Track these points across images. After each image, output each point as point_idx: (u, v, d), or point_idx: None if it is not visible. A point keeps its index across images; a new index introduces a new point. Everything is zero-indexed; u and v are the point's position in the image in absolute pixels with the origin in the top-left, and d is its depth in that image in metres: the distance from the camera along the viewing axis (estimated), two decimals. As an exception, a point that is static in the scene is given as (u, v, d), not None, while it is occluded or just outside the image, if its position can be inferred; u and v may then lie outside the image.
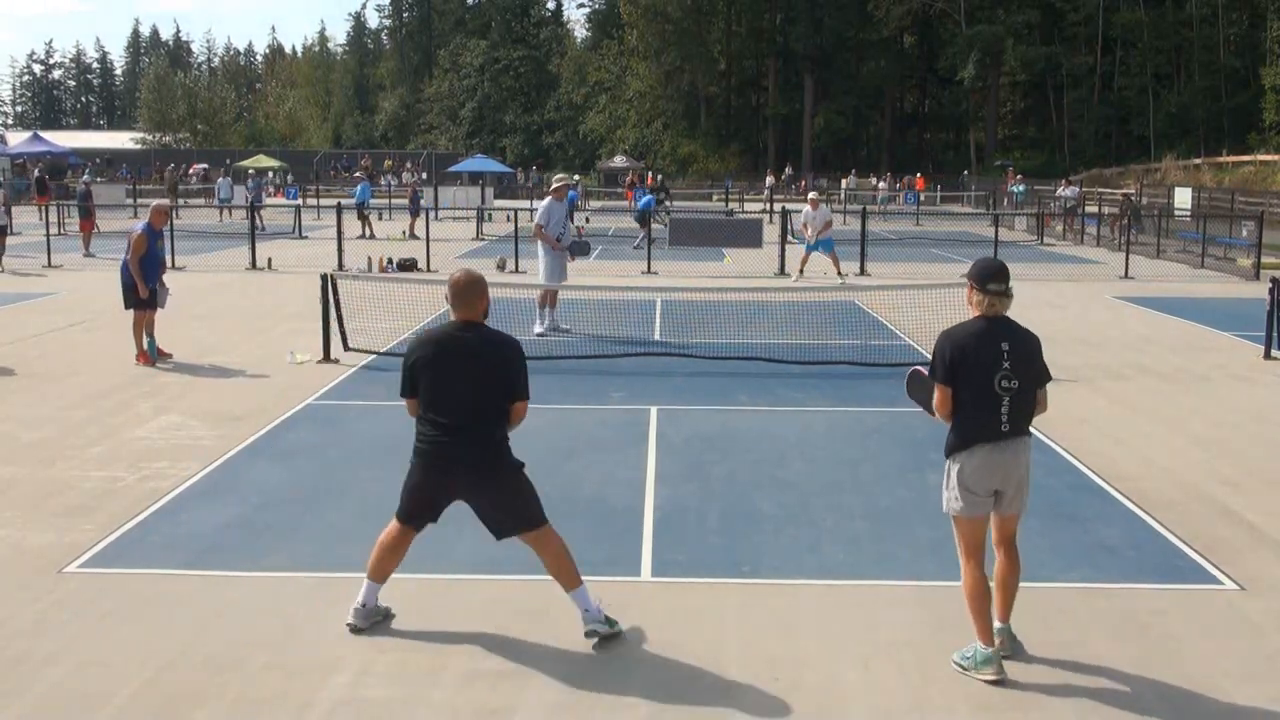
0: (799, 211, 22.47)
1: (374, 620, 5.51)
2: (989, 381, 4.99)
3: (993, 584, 5.22)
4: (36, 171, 42.88)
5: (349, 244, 24.92)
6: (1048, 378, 5.23)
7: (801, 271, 20.90)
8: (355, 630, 5.47)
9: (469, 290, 5.35)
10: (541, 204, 14.67)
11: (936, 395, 5.14)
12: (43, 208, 31.82)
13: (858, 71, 74.83)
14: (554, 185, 14.99)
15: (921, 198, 50.51)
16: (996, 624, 5.21)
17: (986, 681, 4.98)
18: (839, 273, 20.61)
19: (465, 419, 5.20)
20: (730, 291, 17.85)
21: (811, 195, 22.27)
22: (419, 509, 5.41)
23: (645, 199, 32.46)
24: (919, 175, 56.47)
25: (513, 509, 5.31)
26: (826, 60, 74.14)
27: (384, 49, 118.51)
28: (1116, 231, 30.02)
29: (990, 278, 5.05)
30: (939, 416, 5.19)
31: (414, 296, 16.11)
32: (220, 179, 43.04)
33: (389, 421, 9.82)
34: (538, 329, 14.27)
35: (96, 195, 30.23)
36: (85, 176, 43.25)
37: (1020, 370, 5.02)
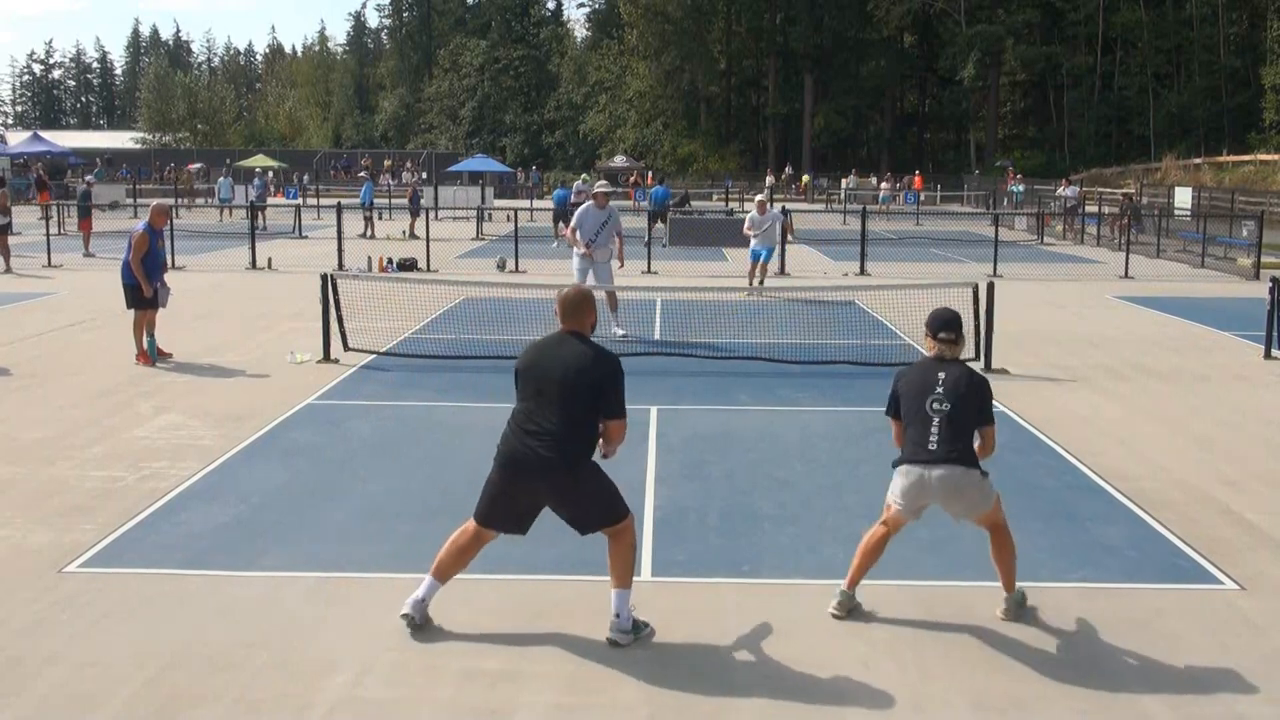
0: (762, 214, 19.29)
1: (425, 619, 5.46)
2: (922, 405, 5.50)
3: (992, 560, 5.71)
4: (38, 170, 42.70)
5: (350, 243, 24.92)
6: (989, 420, 5.61)
7: (760, 281, 19.09)
8: (411, 623, 5.42)
9: (580, 305, 5.48)
10: (581, 207, 14.42)
11: (892, 430, 5.74)
12: (44, 206, 31.76)
13: (858, 71, 74.81)
14: (596, 189, 14.73)
15: (921, 197, 50.51)
16: (1004, 595, 5.69)
17: (831, 614, 5.63)
18: (757, 280, 19.01)
19: (556, 427, 5.21)
20: (730, 291, 17.85)
21: (759, 198, 20.23)
22: (499, 514, 5.41)
23: (655, 190, 33.27)
24: (917, 174, 56.39)
25: (595, 510, 5.35)
26: (826, 60, 74.13)
27: (384, 49, 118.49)
28: (1116, 231, 30.02)
29: (941, 328, 5.64)
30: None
31: (414, 296, 16.13)
32: (221, 179, 42.82)
33: (389, 421, 9.83)
34: (619, 331, 14.02)
35: (96, 195, 30.20)
36: (90, 176, 42.95)
37: (954, 396, 5.46)
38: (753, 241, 19.05)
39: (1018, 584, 5.72)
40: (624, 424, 5.37)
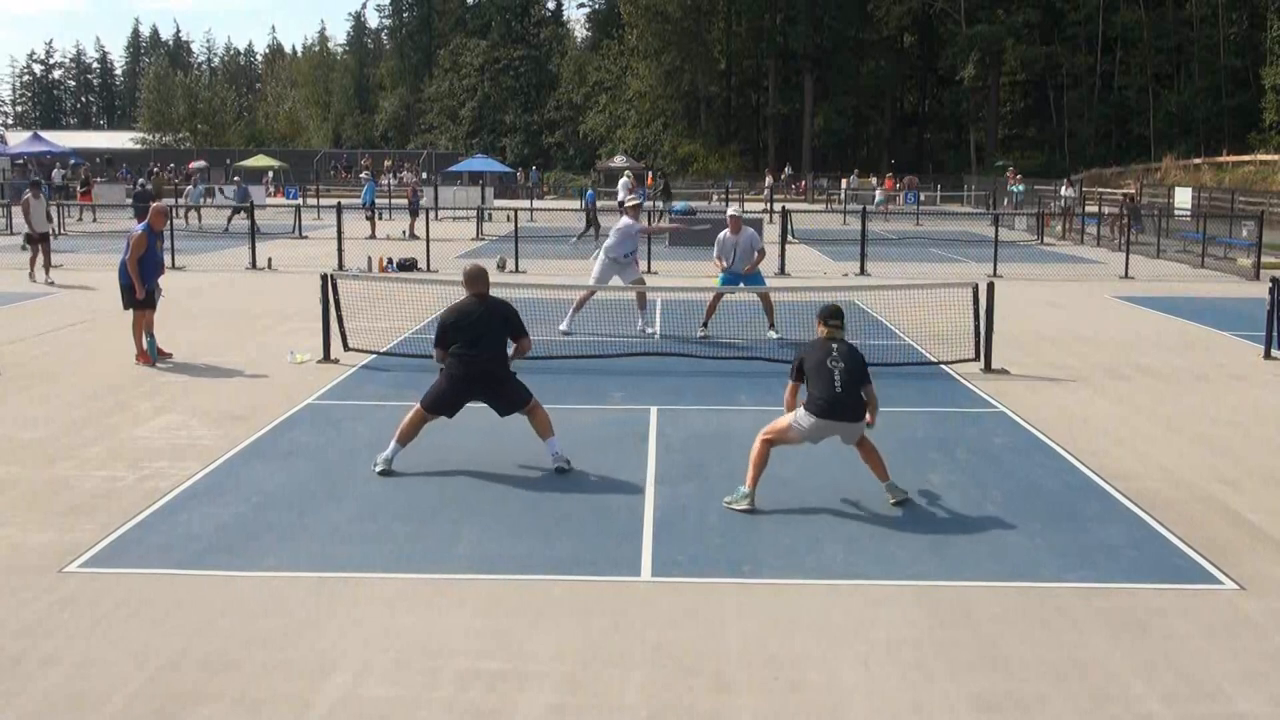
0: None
1: (390, 469, 8.09)
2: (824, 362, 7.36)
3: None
4: (85, 173, 42.21)
5: (350, 243, 24.90)
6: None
7: (770, 324, 14.42)
8: (385, 473, 8.01)
9: (478, 277, 8.36)
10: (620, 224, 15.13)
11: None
12: (87, 206, 31.42)
13: (858, 71, 74.80)
14: (629, 203, 15.97)
15: (922, 197, 50.37)
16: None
17: (739, 510, 7.24)
18: (771, 323, 14.41)
19: (488, 349, 8.13)
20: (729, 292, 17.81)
21: (730, 213, 14.90)
22: (443, 407, 8.21)
23: (680, 206, 35.02)
24: (889, 176, 55.09)
25: (513, 399, 8.27)
26: (826, 60, 74.11)
27: (384, 49, 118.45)
28: (1116, 231, 30.02)
29: (829, 316, 7.62)
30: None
31: (414, 296, 16.12)
32: (230, 184, 42.42)
33: (389, 421, 9.80)
34: (563, 326, 14.23)
35: (96, 195, 30.09)
36: (142, 180, 41.40)
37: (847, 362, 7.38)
38: (723, 265, 14.40)
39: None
40: (529, 339, 8.37)
